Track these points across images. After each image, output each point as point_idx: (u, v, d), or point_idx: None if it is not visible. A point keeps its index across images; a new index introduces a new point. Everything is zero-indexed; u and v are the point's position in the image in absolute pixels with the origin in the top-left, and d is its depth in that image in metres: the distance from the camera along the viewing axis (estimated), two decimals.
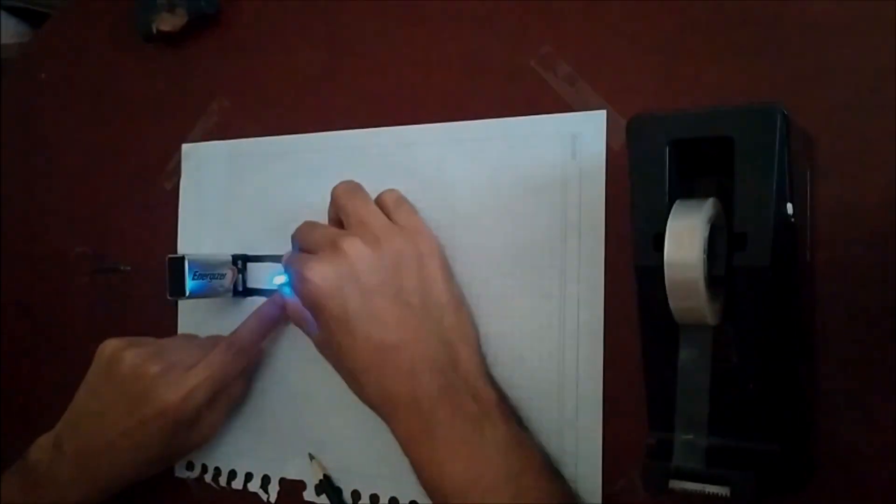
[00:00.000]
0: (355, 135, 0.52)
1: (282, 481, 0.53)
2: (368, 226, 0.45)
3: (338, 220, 0.47)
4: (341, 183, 0.48)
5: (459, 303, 0.46)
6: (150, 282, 0.58)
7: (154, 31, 0.58)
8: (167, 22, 0.58)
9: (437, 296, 0.45)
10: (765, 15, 0.41)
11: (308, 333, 0.48)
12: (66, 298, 0.63)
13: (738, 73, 0.41)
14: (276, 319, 0.52)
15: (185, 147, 0.59)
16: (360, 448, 0.49)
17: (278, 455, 0.53)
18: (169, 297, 0.50)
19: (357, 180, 0.48)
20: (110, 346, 0.50)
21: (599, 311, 0.43)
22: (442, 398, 0.41)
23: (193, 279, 0.50)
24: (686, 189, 0.36)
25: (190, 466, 0.56)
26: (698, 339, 0.35)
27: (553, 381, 0.44)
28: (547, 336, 0.45)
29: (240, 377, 0.52)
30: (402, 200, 0.48)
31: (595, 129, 0.44)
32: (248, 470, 0.54)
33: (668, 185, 0.35)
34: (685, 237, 0.33)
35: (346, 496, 0.50)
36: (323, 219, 0.49)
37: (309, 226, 0.48)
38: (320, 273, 0.43)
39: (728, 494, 0.34)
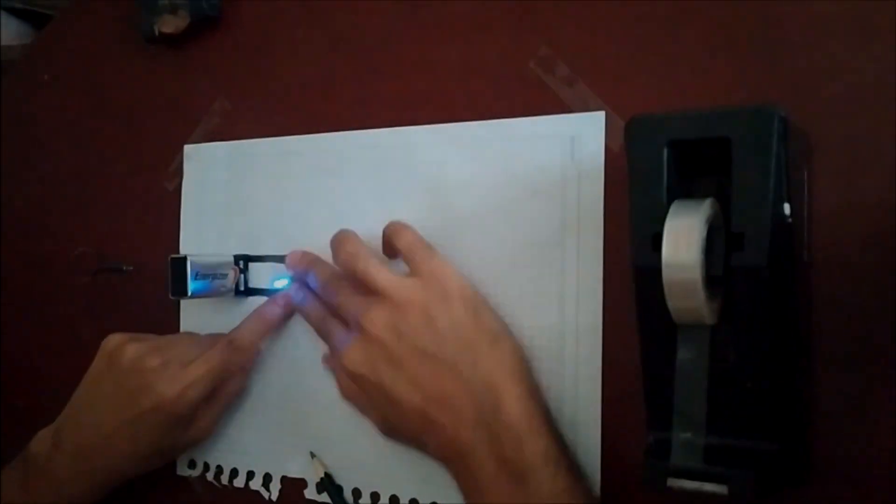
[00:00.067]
0: (355, 136, 0.52)
1: (283, 479, 0.53)
2: (385, 291, 0.44)
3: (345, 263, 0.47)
4: (338, 241, 0.47)
5: (497, 335, 0.44)
6: (152, 282, 0.59)
7: (156, 32, 0.58)
8: (169, 24, 0.58)
9: (468, 336, 0.43)
10: (764, 15, 0.41)
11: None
12: (67, 298, 0.63)
13: (737, 73, 0.41)
14: (277, 319, 0.52)
15: (187, 148, 0.59)
16: (361, 446, 0.49)
17: (280, 453, 0.53)
18: (171, 298, 0.51)
19: (357, 181, 0.48)
20: (113, 339, 0.51)
21: (598, 312, 0.43)
22: (487, 455, 0.40)
23: (195, 279, 0.50)
24: (684, 189, 0.37)
25: (192, 465, 0.56)
26: (696, 339, 0.36)
27: (552, 381, 0.44)
28: (546, 336, 0.45)
29: (238, 375, 0.52)
30: (415, 244, 0.46)
31: (594, 130, 0.44)
32: (250, 468, 0.54)
33: (666, 186, 0.35)
34: (683, 237, 0.34)
35: (347, 494, 0.50)
36: (323, 217, 0.49)
37: (336, 280, 0.48)
38: (350, 363, 0.44)
39: (726, 492, 0.34)
